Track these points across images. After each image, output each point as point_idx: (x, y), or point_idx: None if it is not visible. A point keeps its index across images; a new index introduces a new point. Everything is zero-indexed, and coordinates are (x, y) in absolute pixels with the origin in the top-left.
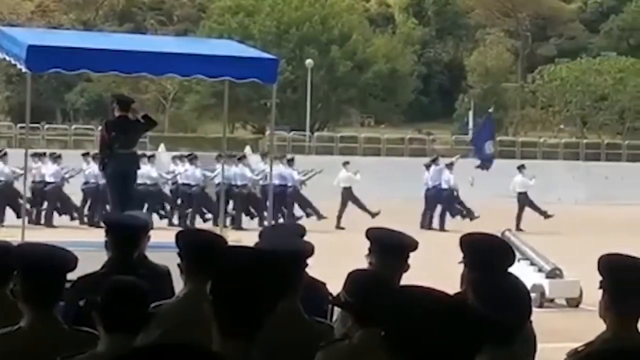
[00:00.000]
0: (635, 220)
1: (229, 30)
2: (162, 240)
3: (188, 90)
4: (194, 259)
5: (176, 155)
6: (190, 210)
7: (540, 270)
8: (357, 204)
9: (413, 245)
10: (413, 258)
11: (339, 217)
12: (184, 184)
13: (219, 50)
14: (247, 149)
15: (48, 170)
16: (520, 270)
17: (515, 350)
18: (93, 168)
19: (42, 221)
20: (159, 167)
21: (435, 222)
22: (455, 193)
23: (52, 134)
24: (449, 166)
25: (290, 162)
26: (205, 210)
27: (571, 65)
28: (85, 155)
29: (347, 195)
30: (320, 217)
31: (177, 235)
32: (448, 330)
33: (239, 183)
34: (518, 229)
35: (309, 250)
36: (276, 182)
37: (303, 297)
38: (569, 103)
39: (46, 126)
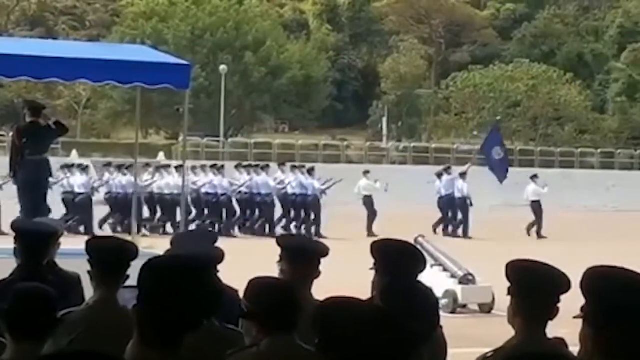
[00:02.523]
0: (546, 226)
1: (143, 36)
2: (72, 247)
3: (102, 96)
4: (104, 265)
5: (196, 165)
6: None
7: (453, 276)
8: (370, 216)
9: (324, 251)
10: None
11: (370, 225)
12: (206, 193)
13: (131, 55)
14: (161, 155)
15: (77, 181)
16: (433, 276)
17: (424, 356)
18: (119, 178)
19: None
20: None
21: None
22: (468, 201)
23: None
24: (462, 175)
25: (311, 171)
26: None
27: (484, 72)
28: (107, 165)
29: (368, 204)
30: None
31: (87, 243)
32: (379, 339)
33: (262, 192)
34: (540, 236)
35: (220, 257)
36: (297, 190)
37: None
38: (482, 109)
39: None
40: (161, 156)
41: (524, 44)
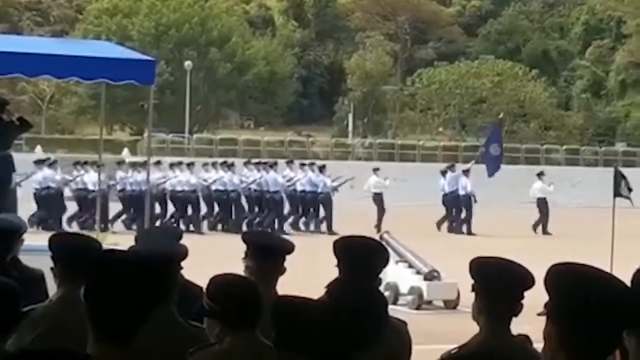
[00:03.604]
0: (511, 223)
1: (107, 32)
2: (35, 244)
3: (66, 92)
4: (67, 262)
5: (208, 162)
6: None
7: (418, 272)
8: (380, 212)
9: (289, 248)
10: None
11: (379, 223)
12: (217, 190)
13: (95, 51)
14: (125, 151)
15: (90, 179)
16: (398, 272)
17: (384, 353)
18: (135, 176)
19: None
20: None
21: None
22: (472, 198)
23: None
24: (466, 172)
25: (322, 169)
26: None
27: (450, 69)
28: (120, 163)
29: (378, 201)
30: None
31: (50, 239)
32: (329, 336)
33: (271, 189)
34: (545, 232)
35: (184, 253)
36: (307, 188)
37: (178, 301)
38: (448, 106)
39: None
40: (126, 152)
41: (489, 40)
